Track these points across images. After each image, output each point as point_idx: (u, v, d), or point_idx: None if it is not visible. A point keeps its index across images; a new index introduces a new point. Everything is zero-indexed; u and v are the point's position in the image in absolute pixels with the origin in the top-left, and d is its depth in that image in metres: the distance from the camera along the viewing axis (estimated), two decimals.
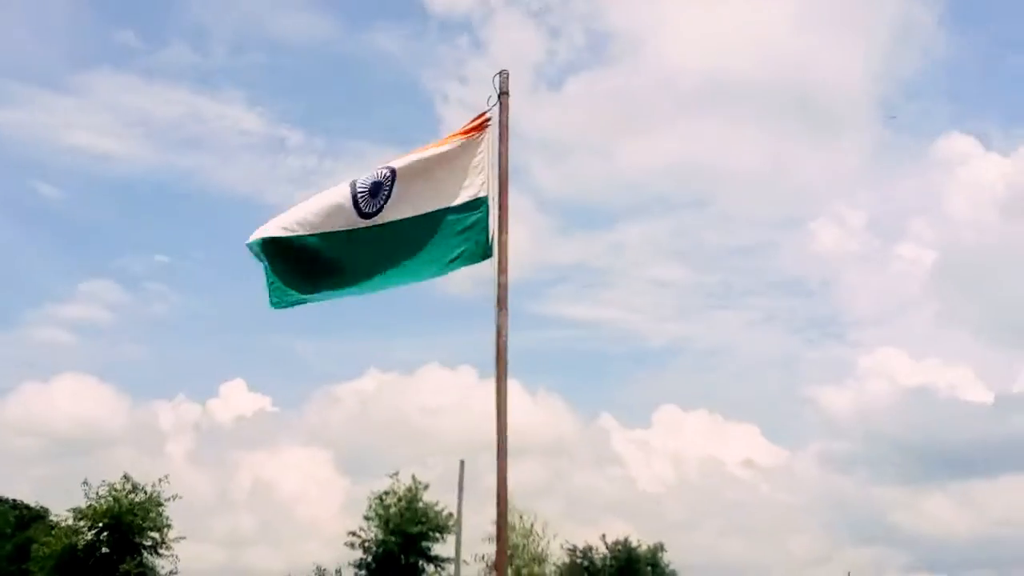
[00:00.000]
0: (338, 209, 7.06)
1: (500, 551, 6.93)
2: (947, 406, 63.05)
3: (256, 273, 7.06)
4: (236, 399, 61.25)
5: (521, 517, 33.22)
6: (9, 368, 76.21)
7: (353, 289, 7.27)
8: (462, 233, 7.17)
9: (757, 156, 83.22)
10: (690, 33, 76.99)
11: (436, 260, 7.20)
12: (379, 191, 7.10)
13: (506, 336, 6.99)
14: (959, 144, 76.54)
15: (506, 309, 7.02)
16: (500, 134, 7.35)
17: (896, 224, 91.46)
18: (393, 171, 7.14)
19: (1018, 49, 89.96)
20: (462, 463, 19.79)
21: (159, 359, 77.25)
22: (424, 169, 7.22)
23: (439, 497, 33.10)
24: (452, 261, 7.18)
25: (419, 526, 32.31)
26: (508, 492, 6.75)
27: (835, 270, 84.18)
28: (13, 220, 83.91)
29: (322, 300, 7.39)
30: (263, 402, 64.35)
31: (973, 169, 75.00)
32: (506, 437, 6.94)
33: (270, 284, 7.12)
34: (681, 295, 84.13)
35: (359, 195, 7.07)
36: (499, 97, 7.41)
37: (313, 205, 7.09)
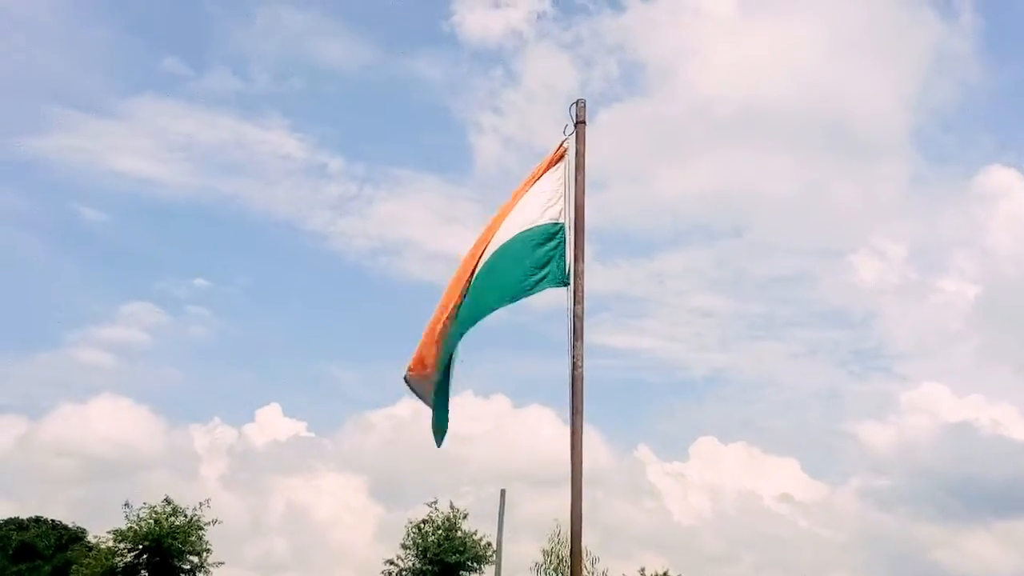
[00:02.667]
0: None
1: None
2: (990, 443, 61.83)
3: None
4: (272, 424, 61.45)
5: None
6: (48, 389, 77.13)
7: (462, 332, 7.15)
8: (544, 257, 7.18)
9: (793, 185, 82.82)
10: (722, 62, 77.06)
11: (520, 283, 7.18)
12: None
13: (582, 367, 6.90)
14: (999, 176, 75.61)
15: (582, 340, 6.94)
16: (576, 163, 7.35)
17: (937, 257, 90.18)
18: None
19: None
20: (503, 492, 19.53)
21: (197, 382, 77.84)
22: (513, 206, 7.31)
23: (472, 526, 32.94)
24: (538, 283, 7.17)
25: (457, 555, 32.02)
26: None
27: (877, 303, 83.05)
28: (57, 242, 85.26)
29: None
30: (298, 427, 64.38)
31: (1014, 202, 73.94)
32: (581, 470, 6.81)
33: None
34: (724, 325, 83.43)
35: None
36: (575, 126, 7.42)
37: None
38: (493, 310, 7.15)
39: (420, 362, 6.94)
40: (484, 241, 7.23)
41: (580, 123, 7.41)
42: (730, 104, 78.97)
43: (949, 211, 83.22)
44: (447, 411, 7.26)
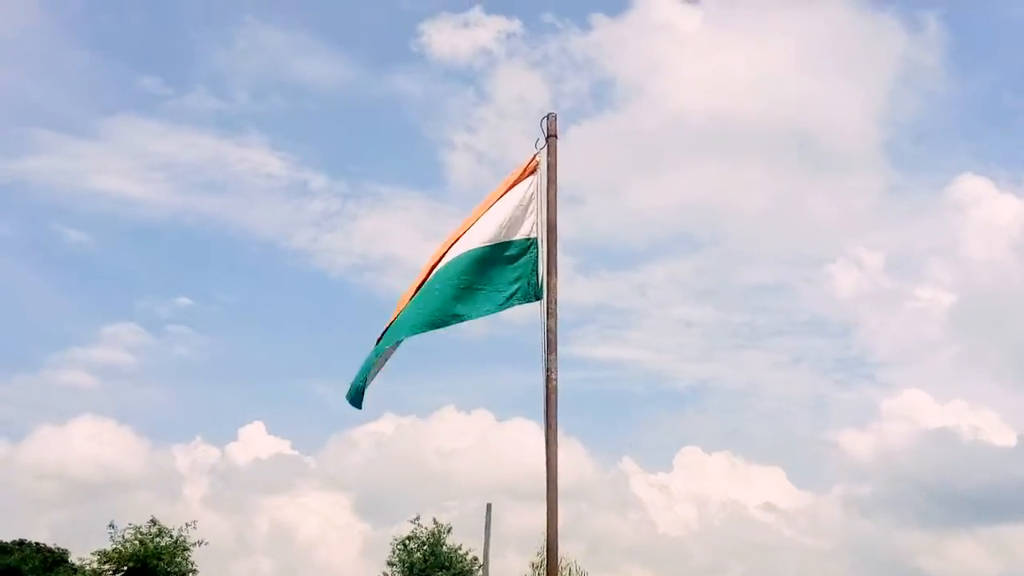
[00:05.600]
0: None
1: None
2: (971, 449, 62.15)
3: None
4: (255, 442, 61.08)
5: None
6: (29, 411, 76.46)
7: (417, 330, 7.19)
8: (514, 272, 7.18)
9: (767, 196, 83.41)
10: (691, 77, 77.79)
11: (490, 297, 7.18)
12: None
13: (556, 380, 6.95)
14: (971, 185, 76.26)
15: (555, 353, 6.98)
16: (548, 177, 7.39)
17: (913, 266, 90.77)
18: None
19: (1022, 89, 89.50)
20: (489, 506, 19.53)
21: (179, 402, 77.26)
22: (482, 214, 7.27)
23: (457, 541, 32.89)
24: (508, 299, 7.18)
25: (444, 571, 31.98)
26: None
27: (857, 311, 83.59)
28: (38, 264, 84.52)
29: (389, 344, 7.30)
30: (282, 445, 64.02)
31: (986, 211, 74.65)
32: (556, 483, 6.87)
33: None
34: (707, 335, 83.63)
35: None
36: (547, 140, 7.45)
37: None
38: (458, 321, 7.14)
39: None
40: (450, 241, 7.23)
41: (551, 137, 7.45)
42: (701, 117, 79.43)
43: (923, 220, 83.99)
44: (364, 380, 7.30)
